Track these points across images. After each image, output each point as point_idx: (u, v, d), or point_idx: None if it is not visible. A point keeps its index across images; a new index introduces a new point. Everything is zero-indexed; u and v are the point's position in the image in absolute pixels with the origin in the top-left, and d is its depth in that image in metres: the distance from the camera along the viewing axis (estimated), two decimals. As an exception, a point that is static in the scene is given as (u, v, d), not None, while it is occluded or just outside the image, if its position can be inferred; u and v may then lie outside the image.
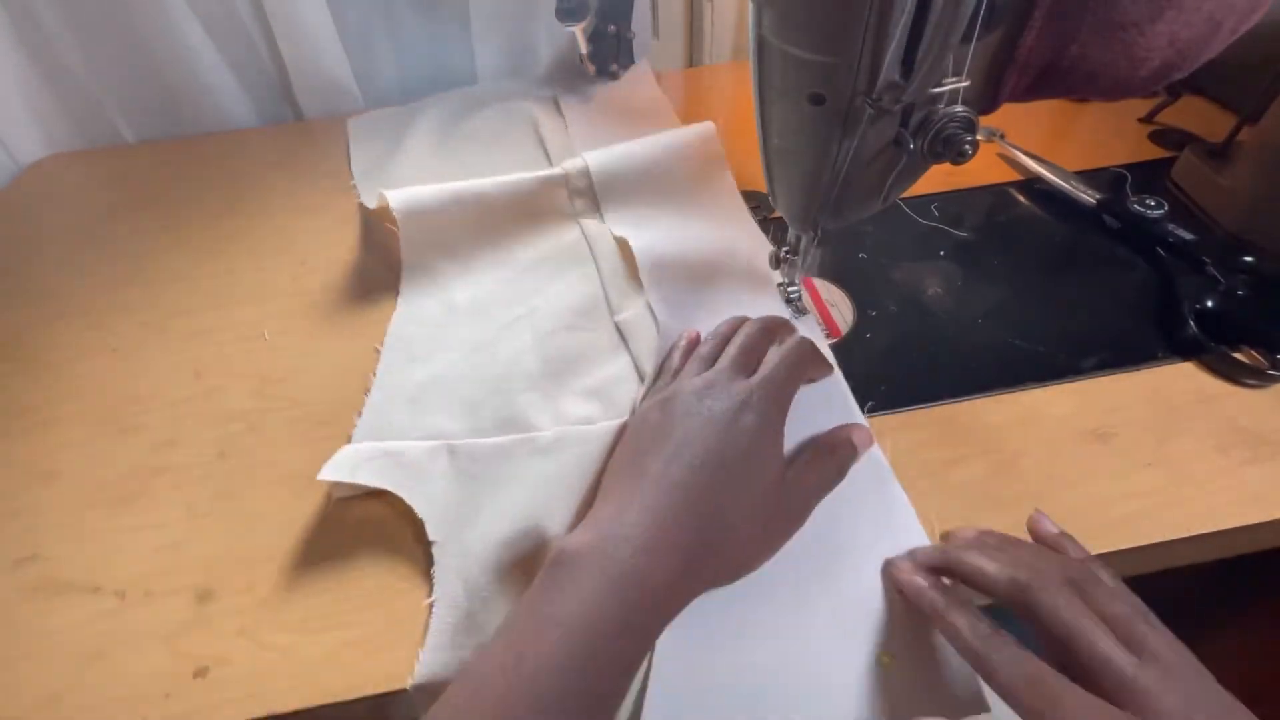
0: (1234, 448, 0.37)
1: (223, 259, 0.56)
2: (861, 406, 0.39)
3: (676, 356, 0.39)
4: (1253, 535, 0.34)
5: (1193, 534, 0.33)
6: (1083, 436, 0.38)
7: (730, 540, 0.29)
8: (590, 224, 0.52)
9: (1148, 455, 0.36)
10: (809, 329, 0.44)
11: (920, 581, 0.29)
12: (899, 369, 0.42)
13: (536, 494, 0.34)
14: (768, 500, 0.30)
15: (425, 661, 0.30)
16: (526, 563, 0.32)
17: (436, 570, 0.33)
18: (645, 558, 0.26)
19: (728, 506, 0.29)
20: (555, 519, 0.32)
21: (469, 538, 0.34)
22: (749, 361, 0.35)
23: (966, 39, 0.27)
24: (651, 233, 0.47)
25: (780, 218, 0.41)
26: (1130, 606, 0.27)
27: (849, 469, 0.34)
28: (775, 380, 0.33)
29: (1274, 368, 0.39)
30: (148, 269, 0.55)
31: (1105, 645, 0.24)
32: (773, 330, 0.37)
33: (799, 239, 0.41)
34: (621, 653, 0.25)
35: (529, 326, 0.45)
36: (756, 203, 0.56)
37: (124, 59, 0.69)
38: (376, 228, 0.57)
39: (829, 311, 0.46)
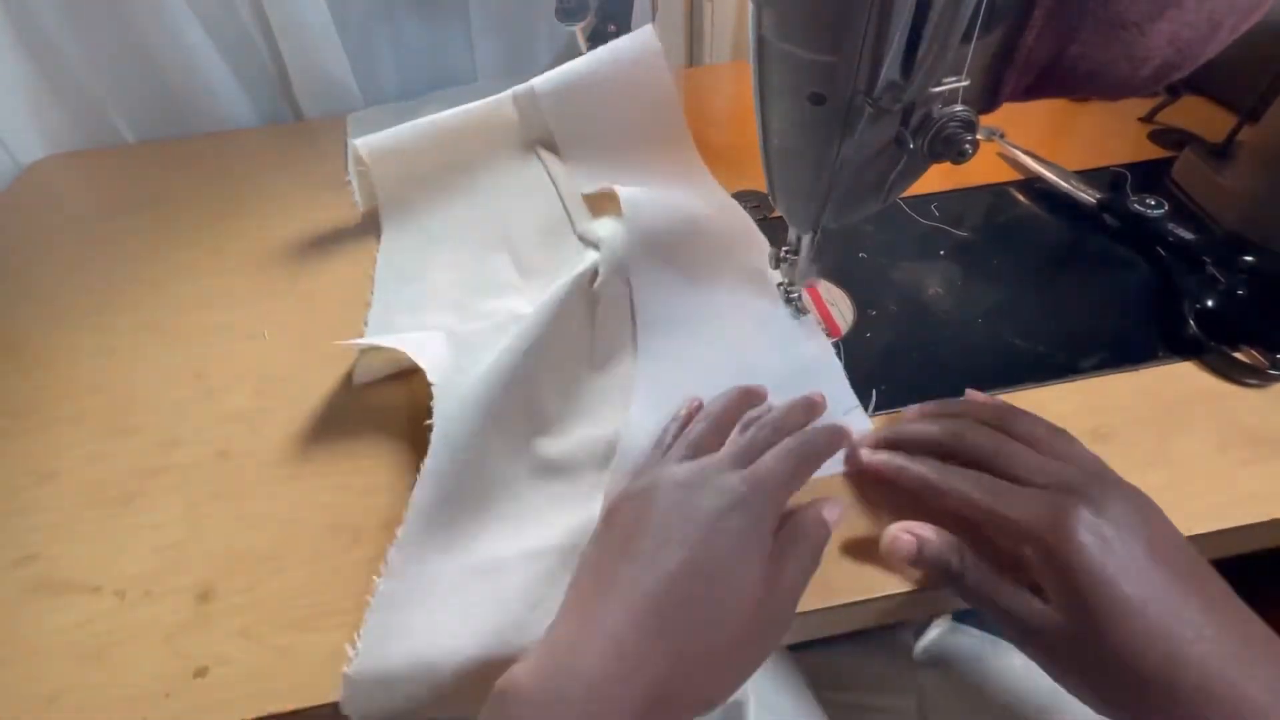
0: (1234, 448, 0.37)
1: (223, 259, 0.56)
2: (862, 407, 0.39)
3: (672, 430, 0.35)
4: (1253, 535, 0.34)
5: (1193, 534, 0.33)
6: (1083, 436, 0.37)
7: (706, 666, 0.24)
8: (547, 156, 0.56)
9: (1148, 455, 0.36)
10: (808, 330, 0.44)
11: (897, 460, 0.32)
12: (899, 369, 0.42)
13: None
14: (751, 611, 0.25)
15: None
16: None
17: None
18: (600, 704, 0.22)
19: (704, 626, 0.24)
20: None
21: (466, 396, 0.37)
22: (749, 457, 0.30)
23: (966, 39, 0.27)
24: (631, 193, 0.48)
25: (780, 217, 0.41)
26: (1047, 428, 0.31)
27: (824, 550, 0.30)
28: (775, 478, 0.29)
29: (1274, 367, 0.39)
30: (148, 269, 0.55)
31: (1022, 455, 0.29)
32: (787, 422, 0.34)
33: (799, 238, 0.41)
34: None
35: (505, 246, 0.51)
36: (756, 202, 0.56)
37: (124, 59, 0.69)
38: (376, 227, 0.57)
39: (829, 311, 0.46)
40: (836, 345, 0.43)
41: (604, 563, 0.27)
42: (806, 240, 0.40)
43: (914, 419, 0.35)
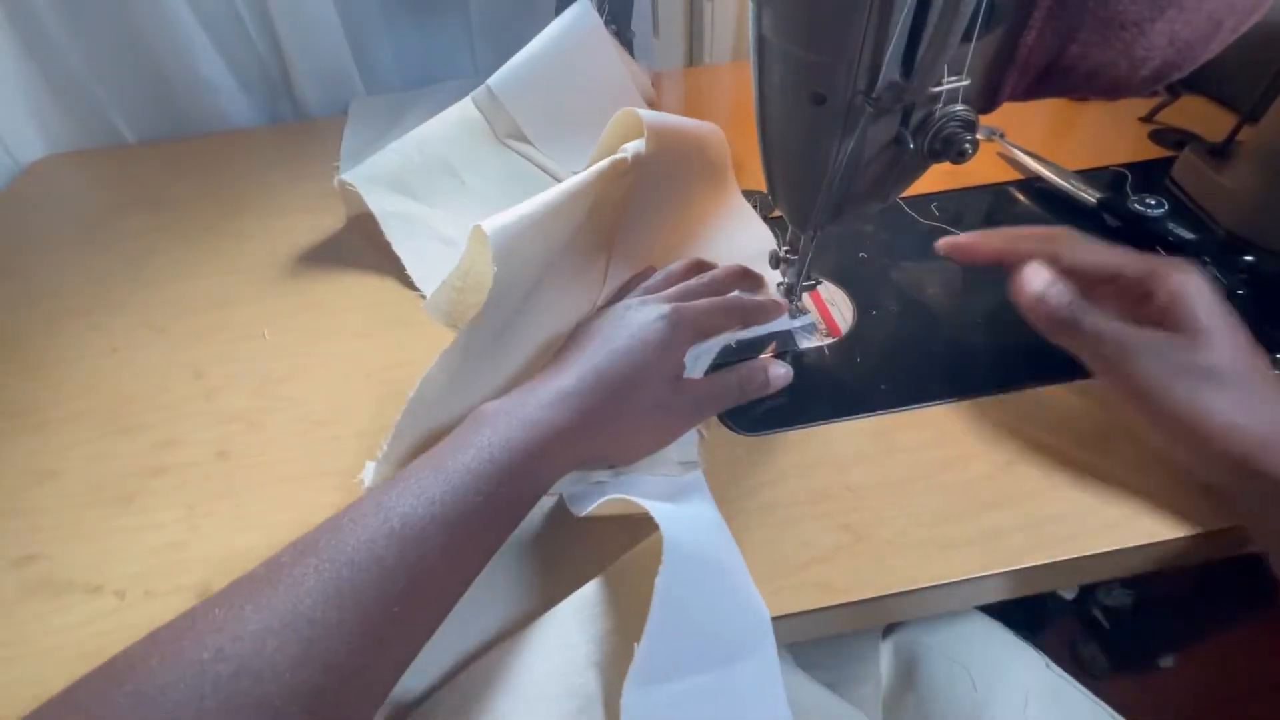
0: (1234, 447, 0.36)
1: (223, 259, 0.56)
2: (862, 407, 0.39)
3: (631, 285, 0.43)
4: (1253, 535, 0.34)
5: (1193, 534, 0.33)
6: (1084, 437, 0.38)
7: (623, 420, 0.33)
8: (521, 146, 0.58)
9: (1148, 455, 0.36)
10: (808, 330, 0.44)
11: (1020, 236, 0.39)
12: (899, 369, 0.42)
13: None
14: (661, 397, 0.35)
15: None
16: None
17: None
18: (546, 411, 0.31)
19: (626, 394, 0.33)
20: None
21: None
22: (685, 297, 0.39)
23: (966, 38, 0.27)
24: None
25: (780, 217, 0.41)
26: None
27: (752, 393, 0.38)
28: (695, 312, 0.37)
29: (1274, 367, 0.39)
30: (148, 269, 0.55)
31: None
32: (721, 283, 0.41)
33: (799, 238, 0.41)
34: (494, 509, 0.28)
35: None
36: (757, 202, 0.56)
37: (124, 58, 0.69)
38: (376, 228, 0.57)
39: (829, 311, 0.46)
40: (835, 345, 0.43)
41: (562, 355, 0.36)
42: (806, 240, 0.40)
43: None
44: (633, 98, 0.61)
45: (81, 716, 0.20)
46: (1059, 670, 0.41)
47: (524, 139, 0.59)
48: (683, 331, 0.36)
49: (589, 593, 0.31)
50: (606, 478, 0.36)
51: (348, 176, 0.54)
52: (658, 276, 0.42)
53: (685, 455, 0.38)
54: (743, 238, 0.49)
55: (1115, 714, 0.40)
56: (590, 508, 0.32)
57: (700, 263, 0.43)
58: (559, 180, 0.52)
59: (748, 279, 0.43)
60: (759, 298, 0.41)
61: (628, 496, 0.30)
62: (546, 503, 0.36)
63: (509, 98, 0.58)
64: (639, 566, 0.31)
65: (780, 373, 0.39)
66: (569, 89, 0.59)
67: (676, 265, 0.43)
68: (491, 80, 0.58)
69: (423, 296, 0.50)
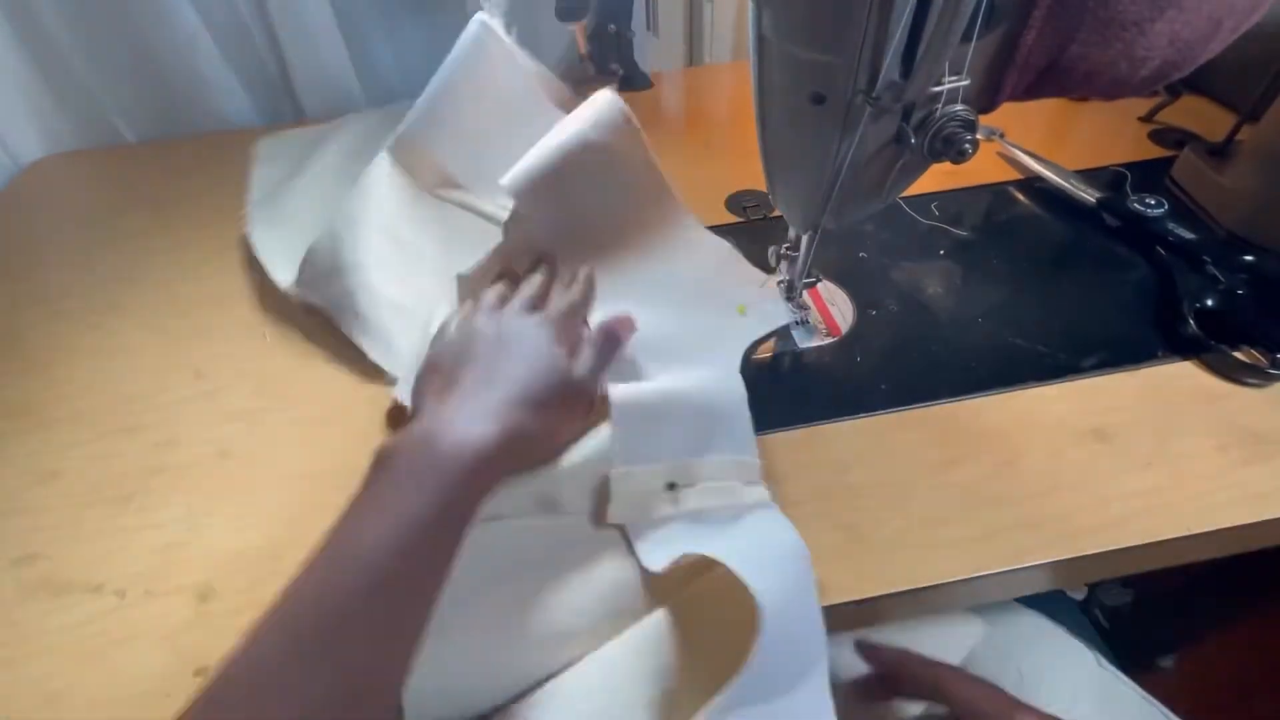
0: (1234, 447, 0.37)
1: (223, 259, 0.56)
2: (862, 407, 0.40)
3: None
4: (1253, 535, 0.34)
5: (1193, 533, 0.33)
6: (1083, 436, 0.38)
7: (535, 419, 0.33)
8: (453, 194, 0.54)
9: (1147, 455, 0.36)
10: (807, 330, 0.44)
11: None
12: (899, 369, 0.42)
13: None
14: (559, 384, 0.35)
15: None
16: None
17: None
18: (461, 440, 0.30)
19: (528, 394, 0.33)
20: None
21: None
22: (537, 303, 0.39)
23: (966, 38, 0.27)
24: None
25: (780, 217, 0.41)
26: None
27: (619, 350, 0.39)
28: (557, 307, 0.38)
29: (1274, 367, 0.39)
30: (148, 269, 0.55)
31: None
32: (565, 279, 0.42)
33: (799, 238, 0.41)
34: (442, 530, 0.28)
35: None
36: (756, 202, 0.56)
37: (124, 58, 0.69)
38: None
39: (829, 311, 0.46)
40: (835, 345, 0.43)
41: (444, 375, 0.34)
42: (806, 240, 0.40)
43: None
44: (546, 110, 0.57)
45: None
46: (1111, 667, 0.41)
47: (454, 184, 0.54)
48: (557, 327, 0.37)
49: (647, 630, 0.30)
50: (675, 518, 0.33)
51: (277, 270, 0.49)
52: (500, 287, 0.41)
53: (747, 474, 0.35)
54: (699, 253, 0.46)
55: (1169, 713, 0.40)
56: (665, 563, 0.31)
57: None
58: (499, 223, 0.45)
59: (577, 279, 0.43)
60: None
61: (710, 554, 0.29)
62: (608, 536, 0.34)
63: (426, 143, 0.53)
64: (699, 603, 0.31)
65: (627, 323, 0.40)
66: (483, 115, 0.54)
67: (500, 287, 0.42)
68: (401, 130, 0.52)
69: (385, 374, 0.44)
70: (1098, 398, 0.40)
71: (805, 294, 0.47)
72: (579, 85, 0.79)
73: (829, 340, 0.44)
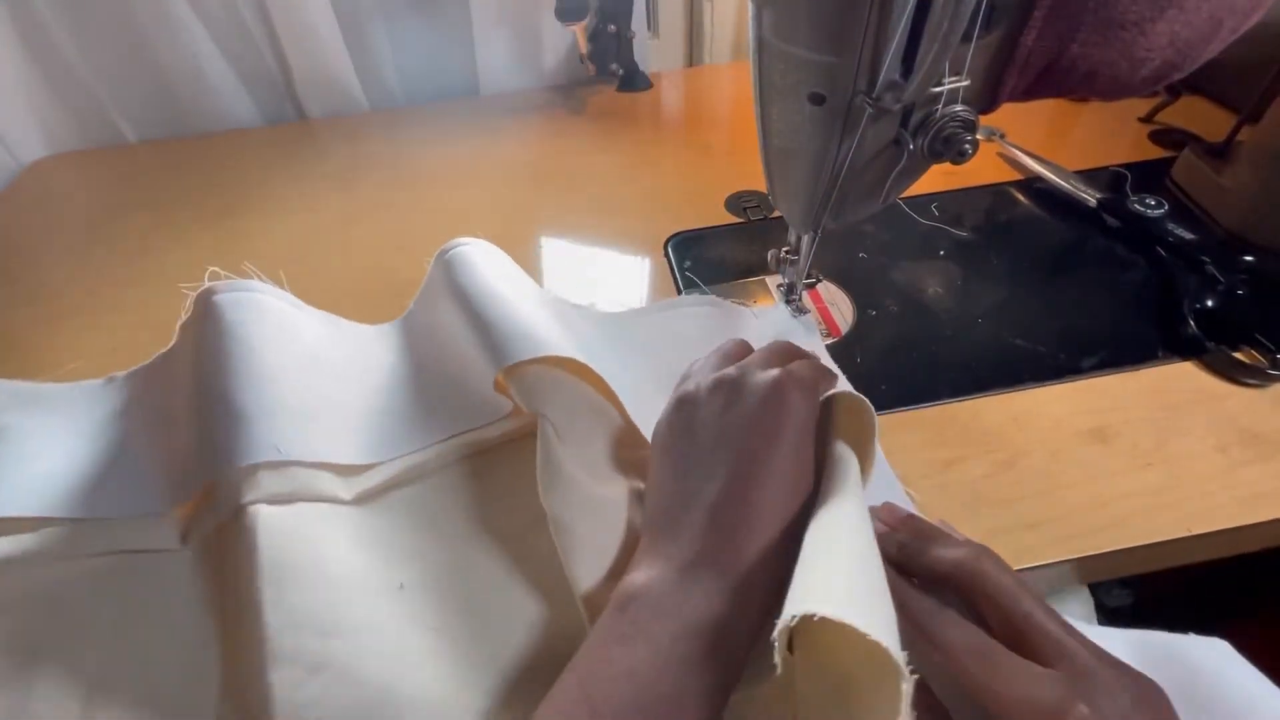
0: (1234, 448, 0.37)
1: (223, 259, 0.56)
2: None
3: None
4: (1253, 535, 0.34)
5: (1193, 534, 0.33)
6: (1083, 436, 0.38)
7: (774, 537, 0.26)
8: None
9: (1148, 455, 0.36)
10: (808, 329, 0.44)
11: (898, 588, 0.26)
12: (899, 369, 0.42)
13: None
14: (798, 493, 0.27)
15: None
16: None
17: None
18: (716, 598, 0.24)
19: (769, 514, 0.26)
20: None
21: None
22: (773, 359, 0.32)
23: (966, 38, 0.27)
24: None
25: (780, 217, 0.41)
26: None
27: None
28: (809, 374, 0.30)
29: (1274, 367, 0.39)
30: (148, 269, 0.55)
31: (1041, 615, 0.24)
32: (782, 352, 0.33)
33: (799, 239, 0.41)
34: (701, 699, 0.23)
35: None
36: (756, 202, 0.56)
37: (125, 58, 0.69)
38: (375, 227, 0.57)
39: (829, 311, 0.46)
40: (835, 345, 0.43)
41: (670, 478, 0.29)
42: (806, 240, 0.40)
43: (917, 529, 0.30)
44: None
45: None
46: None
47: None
48: (805, 396, 0.29)
49: None
50: None
51: None
52: (722, 349, 0.34)
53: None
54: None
55: None
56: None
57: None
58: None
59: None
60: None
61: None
62: None
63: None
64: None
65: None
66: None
67: (729, 343, 0.35)
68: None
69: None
70: (1098, 398, 0.40)
71: (805, 295, 0.47)
72: (579, 86, 0.79)
73: (829, 341, 0.44)
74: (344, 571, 0.31)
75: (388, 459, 0.37)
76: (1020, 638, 0.24)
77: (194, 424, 0.36)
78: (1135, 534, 0.33)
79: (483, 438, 0.38)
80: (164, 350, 0.40)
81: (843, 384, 0.34)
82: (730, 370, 0.30)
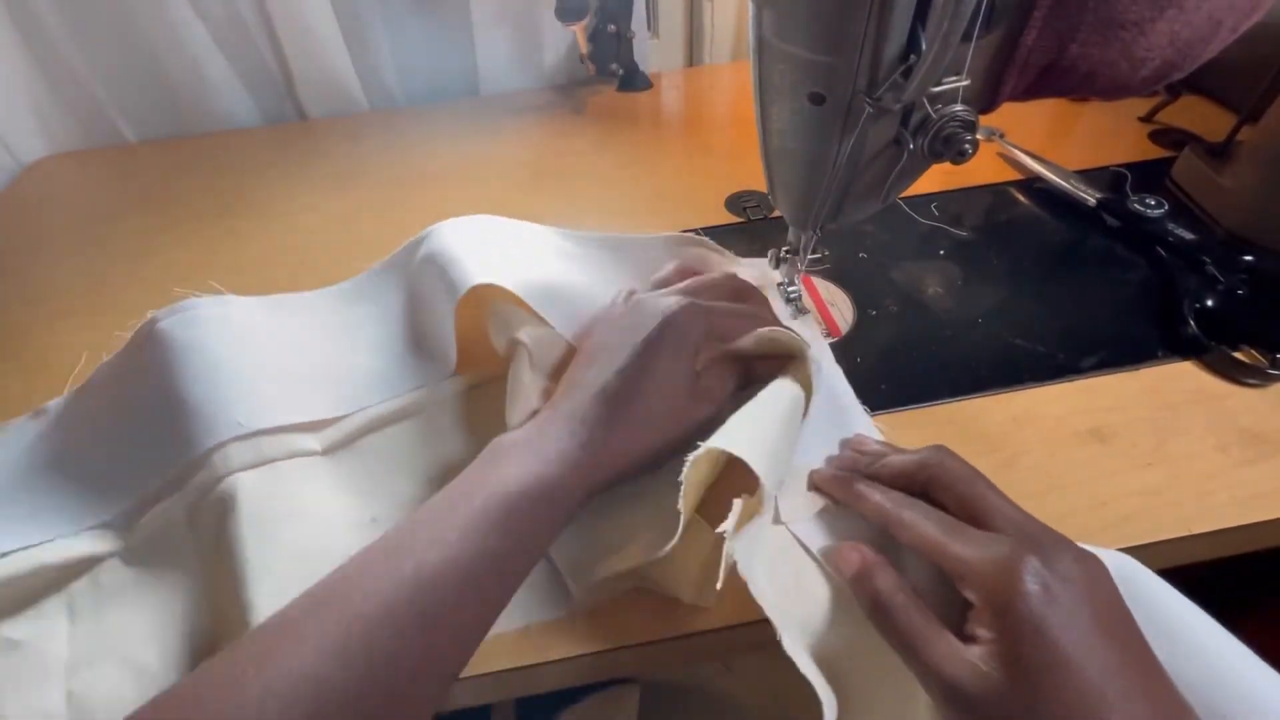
0: (1234, 447, 0.37)
1: (223, 259, 0.56)
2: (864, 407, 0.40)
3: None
4: (1253, 535, 0.34)
5: (1193, 534, 0.33)
6: (1083, 436, 0.38)
7: (643, 432, 0.32)
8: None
9: (1147, 455, 0.36)
10: (808, 329, 0.44)
11: (858, 484, 0.32)
12: (899, 369, 0.42)
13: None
14: (678, 397, 0.33)
15: None
16: None
17: None
18: (556, 444, 0.30)
19: (642, 405, 0.32)
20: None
21: None
22: (700, 293, 0.37)
23: (967, 38, 0.27)
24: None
25: (780, 217, 0.41)
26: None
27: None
28: (715, 307, 0.35)
29: (1274, 367, 0.39)
30: (148, 269, 0.55)
31: (994, 496, 0.28)
32: (741, 292, 0.39)
33: (799, 239, 0.41)
34: (521, 533, 0.28)
35: None
36: (756, 202, 0.56)
37: (125, 58, 0.69)
38: (375, 227, 0.57)
39: (829, 311, 0.46)
40: (835, 345, 0.43)
41: (575, 369, 0.35)
42: (806, 240, 0.40)
43: (882, 449, 0.34)
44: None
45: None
46: None
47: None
48: (697, 322, 0.34)
49: None
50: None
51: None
52: (659, 276, 0.41)
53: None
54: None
55: None
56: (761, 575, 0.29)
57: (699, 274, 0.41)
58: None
59: (753, 292, 0.40)
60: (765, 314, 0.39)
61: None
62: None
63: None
64: None
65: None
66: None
67: (670, 267, 0.41)
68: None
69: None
70: (1098, 398, 0.40)
71: (805, 295, 0.47)
72: (579, 86, 0.79)
73: (829, 341, 0.44)
74: (320, 512, 0.34)
75: (354, 411, 0.39)
76: (977, 516, 0.27)
77: (137, 429, 0.37)
78: (1135, 534, 0.33)
79: (444, 390, 0.41)
80: (93, 374, 0.41)
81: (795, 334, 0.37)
82: (649, 294, 0.37)
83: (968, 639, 0.24)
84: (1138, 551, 0.33)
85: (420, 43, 0.76)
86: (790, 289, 0.44)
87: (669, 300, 0.35)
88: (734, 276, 0.40)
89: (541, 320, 0.38)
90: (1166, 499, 0.35)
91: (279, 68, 0.74)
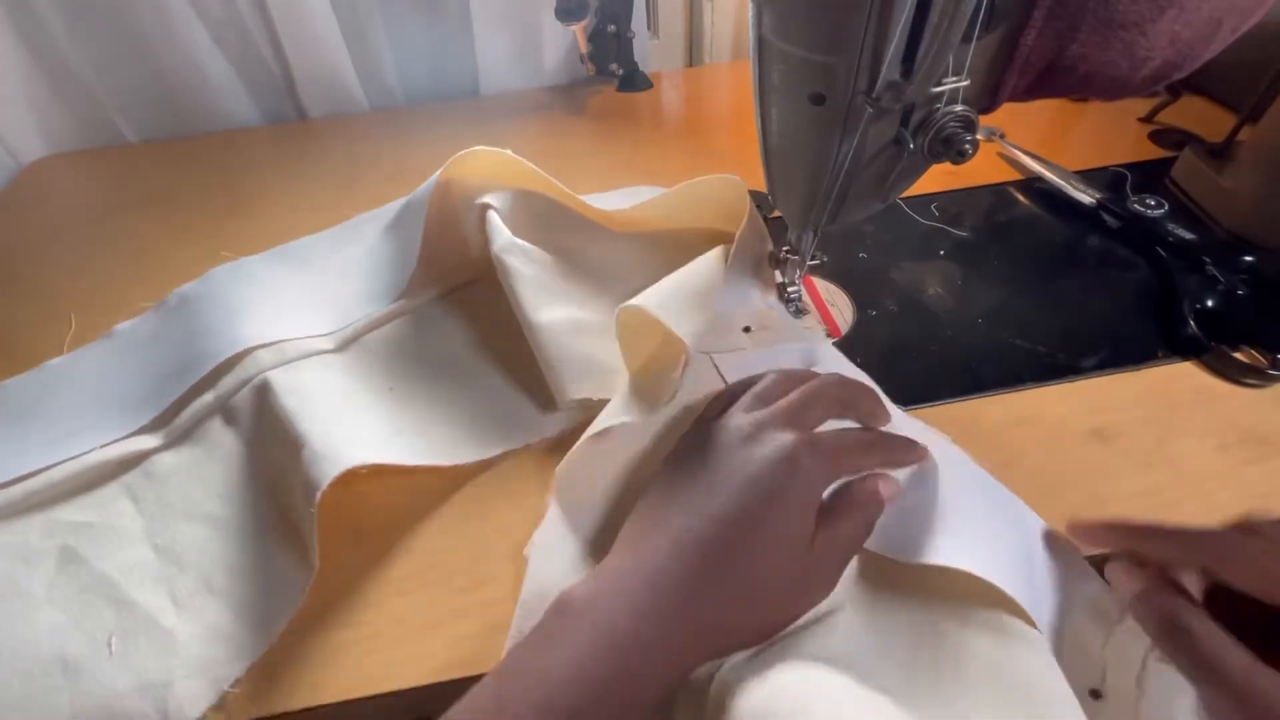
0: (1234, 447, 0.37)
1: (224, 259, 0.56)
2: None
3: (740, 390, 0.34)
4: (1253, 535, 0.34)
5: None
6: (1083, 436, 0.38)
7: (750, 605, 0.26)
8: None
9: (1148, 455, 0.36)
10: (807, 329, 0.44)
11: (1165, 599, 0.25)
12: (899, 369, 0.42)
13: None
14: (796, 564, 0.27)
15: None
16: None
17: None
18: (645, 624, 0.25)
19: (750, 570, 0.26)
20: None
21: None
22: (809, 412, 0.30)
23: (967, 38, 0.27)
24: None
25: (780, 217, 0.41)
26: None
27: (876, 523, 0.30)
28: (841, 446, 0.29)
29: (1274, 367, 0.39)
30: (148, 269, 0.55)
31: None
32: (850, 399, 0.33)
33: (799, 239, 0.41)
34: (609, 713, 0.24)
35: None
36: (757, 203, 0.56)
37: (126, 58, 0.69)
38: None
39: (829, 311, 0.46)
40: (835, 345, 0.43)
41: (660, 501, 0.29)
42: (806, 240, 0.40)
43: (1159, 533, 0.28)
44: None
45: None
46: None
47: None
48: (820, 469, 0.28)
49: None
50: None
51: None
52: (768, 380, 0.33)
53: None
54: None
55: None
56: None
57: (803, 375, 0.34)
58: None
59: (864, 393, 0.34)
60: (902, 436, 0.33)
61: None
62: None
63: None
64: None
65: (893, 489, 0.30)
66: None
67: (771, 378, 0.33)
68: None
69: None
70: (1098, 398, 0.40)
71: (805, 295, 0.47)
72: (579, 86, 0.79)
73: (829, 341, 0.44)
74: (344, 387, 0.41)
75: (361, 316, 0.46)
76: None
77: (165, 355, 0.44)
78: (1135, 534, 0.33)
79: (427, 295, 0.48)
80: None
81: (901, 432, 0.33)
82: (762, 413, 0.30)
83: None
84: (1138, 552, 0.33)
85: (420, 43, 0.76)
86: (790, 289, 0.44)
87: (786, 438, 0.28)
88: (841, 379, 0.33)
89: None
90: (1166, 499, 0.35)
91: (279, 68, 0.74)
